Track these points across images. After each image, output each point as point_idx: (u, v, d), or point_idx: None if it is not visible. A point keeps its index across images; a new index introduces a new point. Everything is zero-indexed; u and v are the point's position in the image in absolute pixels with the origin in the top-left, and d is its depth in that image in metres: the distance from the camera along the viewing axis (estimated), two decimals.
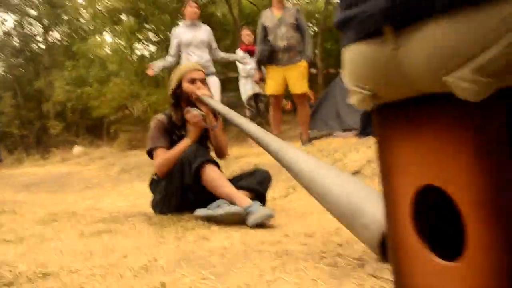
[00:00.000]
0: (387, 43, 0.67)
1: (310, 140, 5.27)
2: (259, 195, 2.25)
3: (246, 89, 6.44)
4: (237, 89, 7.06)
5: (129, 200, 3.53)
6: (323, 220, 1.88)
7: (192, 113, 2.29)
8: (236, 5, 9.85)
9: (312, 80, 7.15)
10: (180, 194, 2.24)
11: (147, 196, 3.50)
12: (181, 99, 2.47)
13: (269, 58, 5.07)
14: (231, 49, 9.11)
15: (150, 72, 4.85)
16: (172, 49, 4.92)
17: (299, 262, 1.33)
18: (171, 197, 2.29)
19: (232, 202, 2.01)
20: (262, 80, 5.31)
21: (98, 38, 13.25)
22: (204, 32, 4.97)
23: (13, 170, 11.60)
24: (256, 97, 6.55)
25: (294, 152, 1.62)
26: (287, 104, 7.98)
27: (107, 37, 13.64)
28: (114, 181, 4.86)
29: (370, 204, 1.23)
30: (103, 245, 1.82)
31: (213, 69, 5.14)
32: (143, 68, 11.41)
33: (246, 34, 6.51)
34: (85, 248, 1.80)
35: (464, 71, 0.58)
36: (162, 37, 10.87)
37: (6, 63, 16.49)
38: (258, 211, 1.86)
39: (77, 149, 11.84)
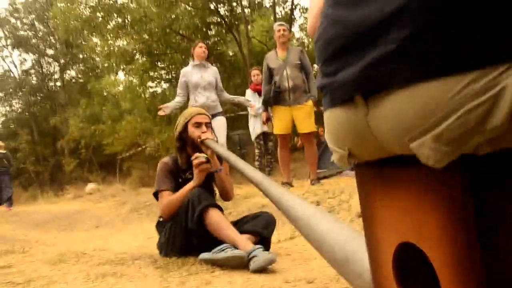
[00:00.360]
0: (359, 109, 0.73)
1: (318, 179, 5.29)
2: (263, 239, 2.28)
3: (255, 127, 6.54)
4: (247, 127, 7.16)
5: (138, 239, 3.57)
6: (325, 265, 1.90)
7: (198, 158, 2.35)
8: (246, 44, 10.11)
9: (320, 116, 7.23)
10: (184, 237, 2.27)
11: (156, 236, 3.54)
12: (187, 142, 2.54)
13: (275, 99, 5.17)
14: (241, 87, 9.29)
15: (162, 112, 4.98)
16: (181, 89, 5.05)
17: None
18: (175, 239, 2.32)
19: (235, 246, 2.04)
20: (269, 120, 5.40)
21: (112, 76, 13.60)
22: (211, 73, 5.11)
23: (27, 207, 11.75)
24: (264, 135, 6.64)
25: (292, 198, 1.65)
26: (298, 141, 8.05)
27: (121, 75, 13.98)
28: (125, 220, 4.91)
29: (364, 252, 1.25)
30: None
31: (220, 108, 5.25)
32: (155, 105, 11.67)
33: (255, 74, 6.66)
34: None
35: (426, 139, 0.64)
36: (173, 75, 11.14)
37: (24, 101, 16.93)
38: (260, 256, 1.89)
39: (90, 186, 11.98)
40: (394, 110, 0.67)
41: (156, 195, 2.49)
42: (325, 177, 6.32)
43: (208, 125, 2.56)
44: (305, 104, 5.16)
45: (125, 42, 9.38)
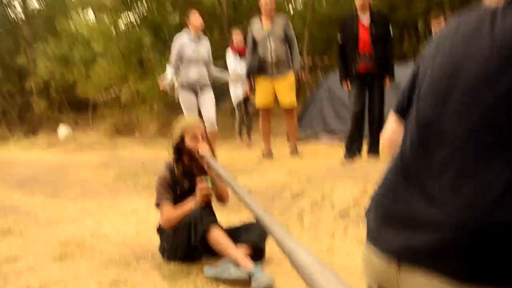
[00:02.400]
0: (392, 266, 0.95)
1: (297, 151, 5.54)
2: (258, 249, 2.54)
3: (236, 93, 6.64)
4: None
5: (130, 223, 3.77)
6: None
7: (203, 185, 2.52)
8: None
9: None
10: (187, 249, 2.51)
11: (149, 221, 3.76)
12: (183, 153, 2.70)
13: (258, 69, 5.27)
14: (219, 43, 9.21)
15: (162, 85, 5.12)
16: (174, 59, 5.13)
17: None
18: (178, 249, 2.55)
19: (237, 264, 2.30)
20: (251, 89, 5.51)
21: (79, 13, 13.06)
22: (205, 47, 5.15)
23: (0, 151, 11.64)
24: (245, 100, 6.77)
25: (295, 244, 1.88)
26: None
27: (90, 13, 13.41)
28: (112, 191, 5.07)
29: None
30: None
31: (208, 81, 5.35)
32: (129, 49, 11.42)
33: (236, 35, 6.67)
34: None
35: None
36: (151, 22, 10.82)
37: None
38: (261, 278, 2.15)
39: (62, 130, 11.90)
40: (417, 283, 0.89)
41: (157, 205, 2.68)
42: (301, 139, 6.57)
43: (204, 136, 2.71)
44: (287, 75, 5.28)
45: None
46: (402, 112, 1.15)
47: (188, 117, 2.85)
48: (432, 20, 5.70)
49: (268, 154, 5.52)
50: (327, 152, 5.75)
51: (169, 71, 5.18)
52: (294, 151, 5.52)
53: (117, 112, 11.63)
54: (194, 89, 5.17)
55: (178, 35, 5.27)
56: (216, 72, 5.46)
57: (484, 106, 0.88)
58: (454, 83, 0.94)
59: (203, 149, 2.60)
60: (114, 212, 4.26)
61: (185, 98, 5.19)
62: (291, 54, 5.35)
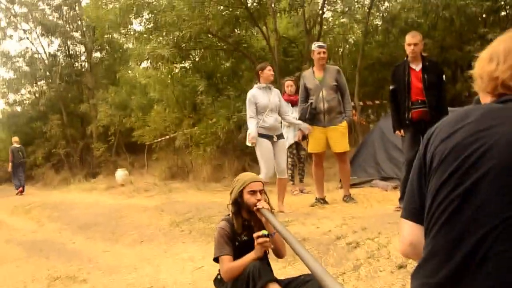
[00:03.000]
0: None
1: (351, 197, 5.48)
2: None
3: (288, 137, 6.71)
4: None
5: (187, 272, 3.84)
6: None
7: (262, 238, 2.55)
8: (273, 37, 10.14)
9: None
10: None
11: (204, 269, 3.82)
12: (242, 208, 2.76)
13: (311, 119, 5.33)
14: None
15: (252, 141, 5.13)
16: (252, 111, 5.17)
17: None
18: None
19: None
20: (304, 138, 5.57)
21: (139, 65, 13.83)
22: (276, 96, 5.30)
23: (61, 192, 12.26)
24: (297, 144, 6.83)
25: None
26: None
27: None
28: (167, 236, 5.20)
29: None
30: None
31: (281, 130, 5.53)
32: (184, 95, 11.89)
33: (288, 85, 6.80)
34: None
35: None
36: (203, 70, 11.25)
37: (53, 83, 17.26)
38: None
39: (120, 174, 12.38)
40: None
41: (216, 259, 2.73)
42: (355, 184, 6.50)
43: (262, 191, 2.76)
44: (339, 125, 5.32)
45: (155, 44, 9.52)
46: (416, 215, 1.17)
47: (247, 174, 2.92)
48: None
49: (322, 200, 5.49)
50: (381, 197, 5.65)
51: (251, 123, 5.18)
52: (348, 197, 5.47)
53: (172, 156, 11.99)
54: (271, 136, 5.25)
55: (251, 90, 5.37)
56: (291, 119, 5.55)
57: None
58: None
59: (261, 204, 2.65)
60: (171, 259, 4.37)
61: (262, 146, 5.19)
62: (343, 101, 5.40)
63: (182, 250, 4.59)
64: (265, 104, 5.15)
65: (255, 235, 2.57)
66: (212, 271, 3.80)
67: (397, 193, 5.66)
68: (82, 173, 15.73)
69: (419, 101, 4.47)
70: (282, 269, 3.29)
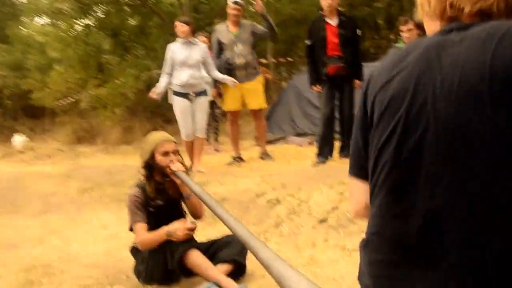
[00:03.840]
0: None
1: (268, 154, 5.46)
2: (239, 266, 2.43)
3: None
4: None
5: (99, 240, 3.58)
6: None
7: (185, 225, 2.37)
8: None
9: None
10: (164, 272, 2.38)
11: (119, 237, 3.58)
12: (154, 171, 2.56)
13: (226, 74, 5.15)
14: None
15: (154, 96, 4.97)
16: (167, 67, 4.97)
17: None
18: (154, 272, 2.43)
19: (219, 285, 2.19)
20: (220, 96, 5.39)
21: (34, 21, 12.53)
22: (198, 51, 4.98)
23: None
24: (212, 103, 6.62)
25: (284, 267, 1.78)
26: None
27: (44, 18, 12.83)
28: (76, 204, 4.83)
29: None
30: None
31: (204, 86, 5.17)
32: (87, 54, 11.02)
33: (202, 41, 6.50)
34: None
35: None
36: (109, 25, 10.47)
37: None
38: None
39: (18, 140, 11.34)
40: None
41: (132, 229, 2.53)
42: (270, 142, 6.50)
43: (176, 152, 2.58)
44: (256, 80, 5.22)
45: None
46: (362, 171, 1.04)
47: (158, 133, 2.70)
48: (400, 27, 5.38)
49: (239, 158, 5.42)
50: (297, 154, 5.70)
51: (163, 80, 4.98)
52: (265, 154, 5.44)
53: (77, 119, 11.20)
54: (188, 94, 4.98)
55: (170, 44, 5.13)
56: (218, 75, 5.14)
57: None
58: None
59: (175, 166, 2.47)
60: (81, 228, 4.05)
61: (176, 104, 4.99)
62: (262, 36, 5.29)
63: (93, 218, 4.27)
64: (182, 59, 4.89)
65: (183, 224, 2.38)
66: (128, 238, 3.56)
67: (313, 149, 5.76)
68: None
69: (336, 56, 4.48)
70: (201, 230, 3.14)
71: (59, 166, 7.66)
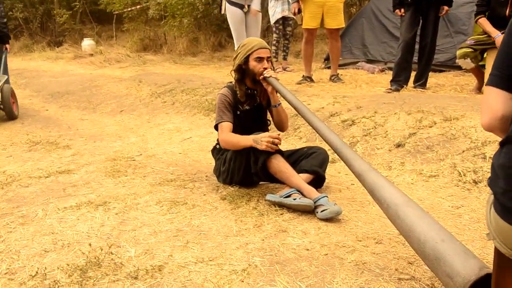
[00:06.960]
0: None
1: (338, 76, 5.35)
2: (319, 177, 2.48)
3: (276, 11, 6.32)
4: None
5: (174, 143, 3.73)
6: (382, 217, 2.12)
7: (272, 138, 2.32)
8: None
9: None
10: (245, 175, 2.46)
11: (193, 141, 3.72)
12: (246, 75, 2.57)
13: None
14: None
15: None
16: None
17: (380, 282, 1.60)
18: (234, 174, 2.51)
19: (300, 192, 2.25)
20: (299, 11, 5.21)
21: None
22: None
23: (26, 61, 11.54)
24: (284, 20, 6.45)
25: (379, 179, 1.80)
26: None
27: None
28: (149, 107, 5.01)
29: (456, 257, 1.45)
30: (187, 223, 2.08)
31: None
32: None
33: None
34: (172, 225, 2.06)
35: None
36: None
37: None
38: (327, 206, 2.10)
39: (87, 43, 11.67)
40: None
41: (216, 126, 2.59)
42: (339, 65, 6.33)
43: (270, 59, 2.56)
44: None
45: None
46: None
47: (255, 39, 2.66)
48: None
49: (309, 78, 5.34)
50: (369, 79, 5.54)
51: None
52: (336, 76, 5.34)
53: (143, 27, 11.28)
54: (241, 5, 4.90)
55: None
56: None
57: None
58: None
59: (268, 72, 2.47)
60: (156, 129, 4.23)
61: (230, 14, 4.94)
62: None
63: (167, 121, 4.44)
64: None
65: (267, 134, 2.37)
66: (201, 142, 3.72)
67: (385, 77, 5.60)
68: (44, 41, 14.77)
69: None
70: (283, 137, 3.19)
71: (129, 70, 7.88)
